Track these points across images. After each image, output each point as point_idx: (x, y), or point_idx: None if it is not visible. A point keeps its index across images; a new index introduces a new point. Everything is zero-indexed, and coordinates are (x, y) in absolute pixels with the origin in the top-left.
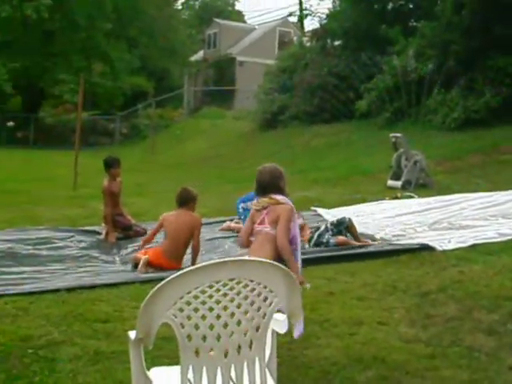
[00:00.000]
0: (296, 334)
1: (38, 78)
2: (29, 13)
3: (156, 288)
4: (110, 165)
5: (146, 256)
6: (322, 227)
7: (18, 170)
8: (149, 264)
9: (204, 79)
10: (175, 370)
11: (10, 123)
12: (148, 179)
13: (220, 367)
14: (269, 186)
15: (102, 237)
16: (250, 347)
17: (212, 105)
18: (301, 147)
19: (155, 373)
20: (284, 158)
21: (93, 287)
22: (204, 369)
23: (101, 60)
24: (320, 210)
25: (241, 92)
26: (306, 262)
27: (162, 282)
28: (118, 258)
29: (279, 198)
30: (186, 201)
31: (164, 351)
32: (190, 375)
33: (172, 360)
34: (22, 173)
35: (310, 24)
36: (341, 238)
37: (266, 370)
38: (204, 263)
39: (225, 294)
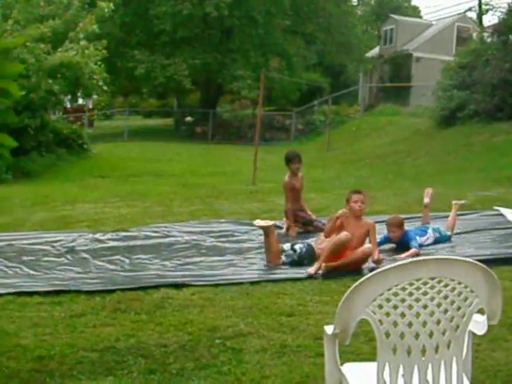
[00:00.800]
0: None
1: (216, 74)
2: (209, 10)
3: (356, 284)
4: (290, 160)
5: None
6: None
7: (198, 164)
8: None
9: (379, 75)
10: (369, 366)
11: (189, 118)
12: (324, 175)
13: (417, 366)
14: None
15: (283, 231)
16: (448, 347)
17: (387, 101)
18: (481, 145)
19: (348, 368)
20: (463, 155)
21: (276, 281)
22: (401, 367)
23: (278, 56)
24: (503, 210)
25: (417, 88)
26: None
27: (363, 278)
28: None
29: None
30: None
31: (349, 347)
32: (386, 373)
33: (357, 356)
34: (202, 167)
35: (492, 19)
36: None
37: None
38: (405, 261)
39: (425, 293)
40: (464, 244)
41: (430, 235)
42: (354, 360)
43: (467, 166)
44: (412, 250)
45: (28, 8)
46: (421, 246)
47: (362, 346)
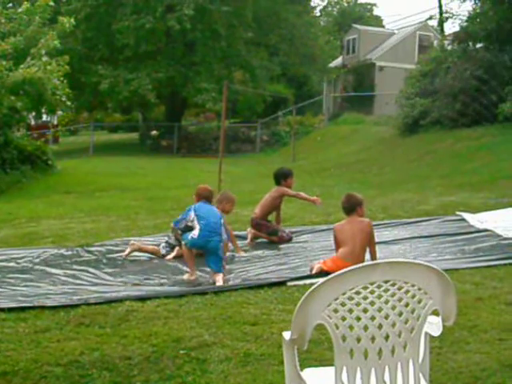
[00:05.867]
0: None
1: (180, 87)
2: (172, 24)
3: (311, 289)
4: (287, 175)
5: (319, 265)
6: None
7: (164, 178)
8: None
9: (343, 85)
10: (329, 370)
11: (154, 132)
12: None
13: (374, 369)
14: None
15: (247, 241)
16: (404, 349)
17: (352, 110)
18: (443, 152)
19: (309, 373)
20: (427, 162)
21: (237, 290)
22: (358, 370)
23: (241, 68)
24: (466, 215)
25: (380, 97)
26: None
27: (317, 284)
28: None
29: None
30: (353, 207)
31: (313, 354)
32: (344, 376)
33: (321, 363)
34: (167, 180)
35: (451, 27)
36: None
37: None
38: (358, 265)
39: (379, 296)
40: (426, 249)
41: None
42: (317, 366)
43: (431, 173)
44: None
45: None
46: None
47: (325, 352)
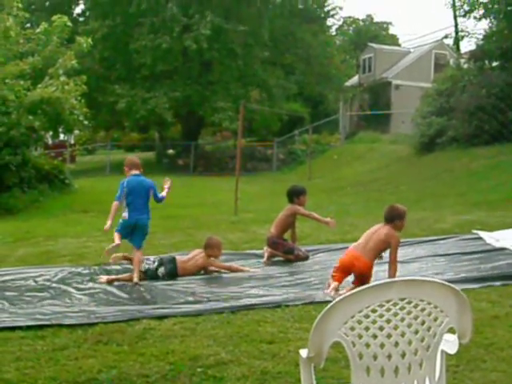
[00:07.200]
0: None
1: (197, 107)
2: (188, 43)
3: (328, 307)
4: (301, 192)
5: (336, 283)
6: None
7: (180, 196)
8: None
9: (359, 104)
10: None
11: (171, 151)
12: (306, 204)
13: None
14: None
15: (263, 260)
16: (421, 367)
17: (368, 129)
18: (460, 170)
19: None
20: (443, 181)
21: (254, 308)
22: None
23: (258, 87)
24: (482, 234)
25: (396, 116)
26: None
27: (334, 301)
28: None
29: None
30: (392, 218)
31: (330, 372)
32: None
33: (338, 381)
34: (184, 198)
35: (467, 45)
36: None
37: None
38: (374, 283)
39: (395, 314)
40: (443, 267)
41: None
42: None
43: (447, 191)
44: None
45: (7, 45)
46: None
47: (342, 370)
